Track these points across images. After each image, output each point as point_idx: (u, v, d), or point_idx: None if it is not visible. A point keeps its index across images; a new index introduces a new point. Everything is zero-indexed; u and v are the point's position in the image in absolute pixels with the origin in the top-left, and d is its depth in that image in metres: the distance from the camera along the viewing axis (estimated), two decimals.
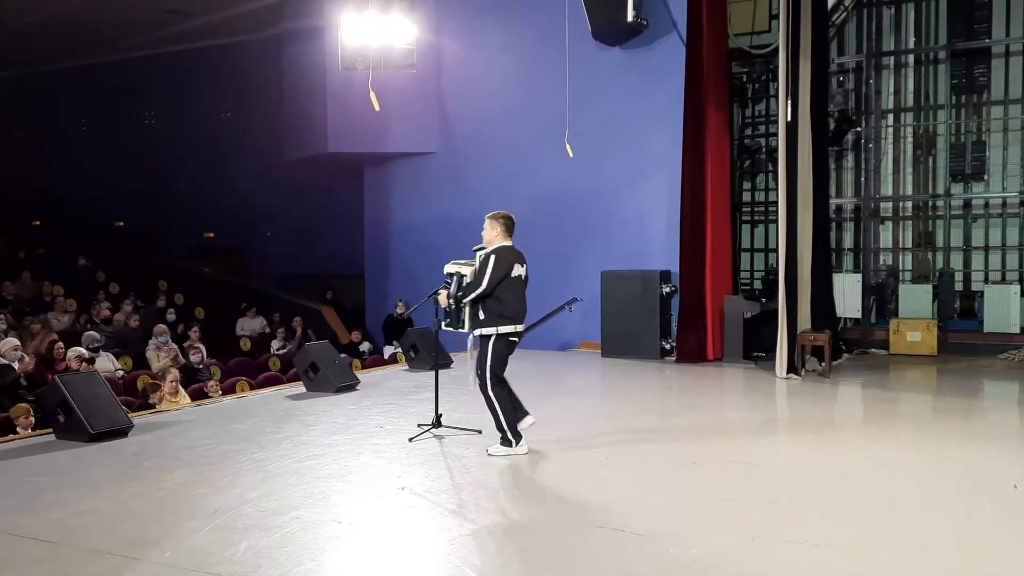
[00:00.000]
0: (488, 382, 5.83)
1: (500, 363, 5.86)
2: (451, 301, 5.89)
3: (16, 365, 8.91)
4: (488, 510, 4.72)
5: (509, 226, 5.96)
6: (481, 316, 5.83)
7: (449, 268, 6.01)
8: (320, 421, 7.22)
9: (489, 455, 5.92)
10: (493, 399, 5.85)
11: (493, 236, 5.93)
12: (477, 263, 5.86)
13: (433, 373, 6.81)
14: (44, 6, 15.23)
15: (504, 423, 5.90)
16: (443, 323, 6.10)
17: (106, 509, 4.83)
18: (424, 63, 13.99)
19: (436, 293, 6.06)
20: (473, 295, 5.77)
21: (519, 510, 4.72)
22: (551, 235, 12.81)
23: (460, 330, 6.00)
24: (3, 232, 18.11)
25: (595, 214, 12.55)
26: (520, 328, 5.90)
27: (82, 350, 9.32)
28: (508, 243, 5.94)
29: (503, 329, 5.79)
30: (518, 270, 5.87)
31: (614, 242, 12.28)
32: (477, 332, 5.88)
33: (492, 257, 5.77)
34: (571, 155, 11.43)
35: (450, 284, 5.94)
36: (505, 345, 5.85)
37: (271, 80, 16.08)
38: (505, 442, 5.94)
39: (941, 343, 11.16)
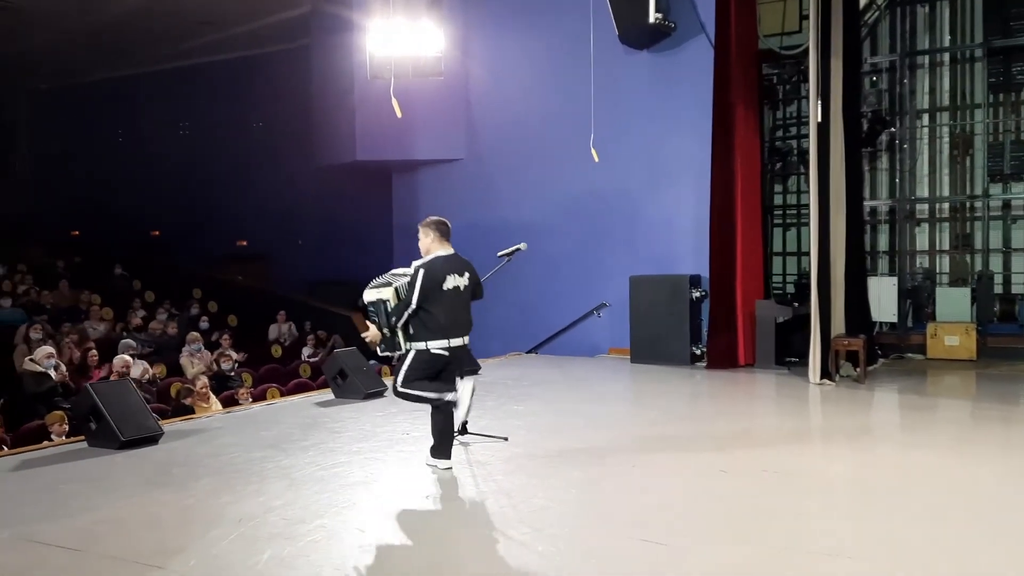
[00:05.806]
0: (399, 384, 5.59)
1: (418, 370, 5.58)
2: (385, 331, 5.61)
3: (52, 373, 9.06)
4: (512, 519, 4.67)
5: (444, 232, 5.73)
6: (411, 331, 5.59)
7: (369, 297, 5.67)
8: (347, 428, 7.22)
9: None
10: (409, 393, 5.60)
11: (428, 244, 5.72)
12: (412, 273, 5.59)
13: None
14: (79, 19, 15.53)
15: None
16: (379, 348, 5.77)
17: (131, 517, 4.86)
18: (451, 70, 13.98)
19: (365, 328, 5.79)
20: (405, 316, 5.53)
21: (543, 519, 4.66)
22: (578, 240, 12.73)
23: (397, 352, 5.72)
24: (41, 242, 18.51)
25: (622, 219, 12.42)
26: (450, 343, 5.57)
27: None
28: (445, 252, 5.69)
29: (432, 344, 5.54)
30: (453, 281, 5.59)
31: (642, 246, 12.16)
32: (409, 347, 5.61)
33: (420, 272, 5.53)
34: (596, 160, 11.35)
35: (374, 313, 5.63)
36: (429, 356, 5.57)
37: (301, 89, 16.23)
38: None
39: (980, 347, 10.88)
